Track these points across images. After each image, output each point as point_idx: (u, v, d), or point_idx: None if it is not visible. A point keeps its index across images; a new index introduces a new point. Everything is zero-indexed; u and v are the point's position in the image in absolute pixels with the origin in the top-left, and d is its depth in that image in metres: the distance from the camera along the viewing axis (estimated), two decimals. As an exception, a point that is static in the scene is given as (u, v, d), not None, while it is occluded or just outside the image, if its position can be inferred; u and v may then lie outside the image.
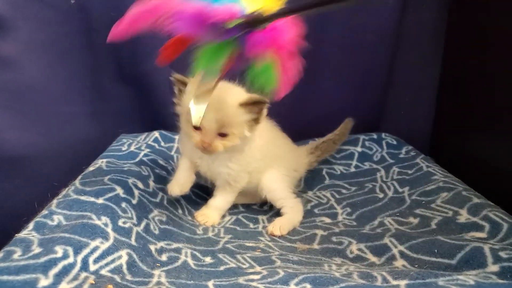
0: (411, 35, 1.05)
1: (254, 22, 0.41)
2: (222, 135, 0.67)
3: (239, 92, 0.68)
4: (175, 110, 0.71)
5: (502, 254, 0.50)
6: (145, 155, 0.84)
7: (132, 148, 0.86)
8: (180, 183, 0.72)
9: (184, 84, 0.67)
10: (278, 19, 0.42)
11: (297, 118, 1.06)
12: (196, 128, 0.66)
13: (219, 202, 0.77)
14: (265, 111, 0.69)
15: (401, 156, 0.94)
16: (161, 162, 0.85)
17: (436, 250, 0.56)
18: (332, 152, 0.97)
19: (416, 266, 0.56)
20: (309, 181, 0.94)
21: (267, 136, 0.78)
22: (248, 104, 0.66)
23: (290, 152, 0.86)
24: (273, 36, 0.43)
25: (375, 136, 1.03)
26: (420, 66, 1.07)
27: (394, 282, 0.48)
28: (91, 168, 0.72)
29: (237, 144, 0.68)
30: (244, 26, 0.42)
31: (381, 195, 0.82)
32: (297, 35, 0.46)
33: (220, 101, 0.64)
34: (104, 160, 0.76)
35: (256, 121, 0.69)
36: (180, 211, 0.76)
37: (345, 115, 1.09)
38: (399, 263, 0.58)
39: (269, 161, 0.79)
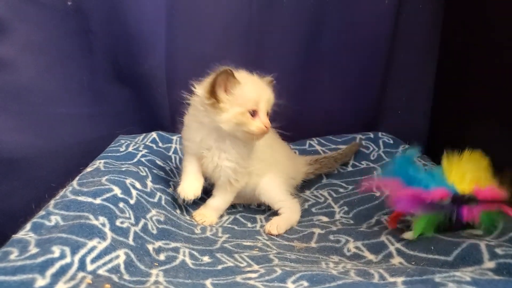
0: (408, 35, 1.05)
1: (466, 200, 0.53)
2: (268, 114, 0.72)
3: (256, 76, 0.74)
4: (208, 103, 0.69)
5: (498, 251, 0.51)
6: (143, 155, 0.84)
7: (130, 149, 0.86)
8: (193, 188, 0.73)
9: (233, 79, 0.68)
10: (489, 203, 0.53)
11: (294, 117, 1.06)
12: (252, 114, 0.69)
13: (218, 202, 0.78)
14: None
15: (398, 155, 0.95)
16: (159, 162, 0.85)
17: (432, 247, 0.57)
18: (331, 170, 0.96)
19: (413, 263, 0.56)
20: (306, 181, 0.94)
21: (267, 141, 0.79)
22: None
23: (288, 159, 0.87)
24: (483, 207, 0.54)
25: (372, 135, 1.03)
26: (417, 66, 1.08)
27: (391, 279, 0.48)
28: (88, 169, 0.72)
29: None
30: (457, 202, 0.54)
31: (377, 194, 0.82)
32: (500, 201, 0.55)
33: (263, 84, 0.72)
34: (102, 161, 0.76)
35: None
36: (178, 210, 0.77)
37: (342, 114, 1.10)
38: (396, 260, 0.58)
39: (268, 165, 0.79)
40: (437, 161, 0.87)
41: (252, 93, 0.68)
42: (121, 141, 0.90)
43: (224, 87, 0.68)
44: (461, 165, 0.59)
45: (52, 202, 0.59)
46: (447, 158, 0.60)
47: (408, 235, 0.59)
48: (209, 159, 0.73)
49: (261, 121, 0.69)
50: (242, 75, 0.70)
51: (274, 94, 0.74)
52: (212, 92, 0.68)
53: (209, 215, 0.77)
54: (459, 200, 0.53)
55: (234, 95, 0.68)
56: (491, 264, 0.49)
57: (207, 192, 0.81)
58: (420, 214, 0.57)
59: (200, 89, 0.70)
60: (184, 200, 0.76)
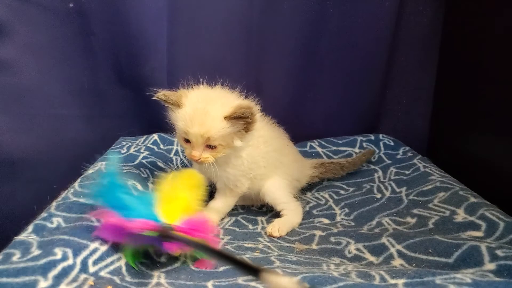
0: (408, 36, 1.05)
1: (166, 236, 0.50)
2: (212, 146, 0.67)
3: (225, 103, 0.67)
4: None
5: (499, 253, 0.51)
6: (144, 157, 0.84)
7: (132, 150, 0.86)
8: None
9: (171, 101, 0.67)
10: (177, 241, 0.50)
11: (295, 119, 1.07)
12: (187, 141, 0.68)
13: (219, 205, 0.78)
14: (256, 119, 0.69)
15: (399, 156, 0.95)
16: (160, 164, 0.85)
17: (433, 249, 0.57)
18: (337, 176, 0.94)
19: (414, 265, 0.56)
20: (309, 184, 0.94)
21: (274, 144, 0.79)
22: (233, 117, 0.66)
23: (295, 162, 0.87)
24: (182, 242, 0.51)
25: (372, 137, 1.03)
26: (417, 68, 1.08)
27: (392, 281, 0.48)
28: (90, 171, 0.72)
29: (229, 153, 0.69)
30: (160, 236, 0.50)
31: (378, 196, 0.82)
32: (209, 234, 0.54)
33: (204, 115, 0.65)
34: (104, 162, 0.76)
35: (246, 129, 0.68)
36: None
37: (343, 116, 1.10)
38: (397, 262, 0.58)
39: (273, 168, 0.79)
40: (437, 162, 0.89)
41: (179, 123, 0.66)
42: (122, 142, 0.91)
43: (170, 106, 0.68)
44: (174, 187, 0.57)
45: (54, 204, 0.59)
46: (160, 180, 0.57)
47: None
48: (203, 171, 0.72)
49: (189, 150, 0.67)
50: (191, 101, 0.66)
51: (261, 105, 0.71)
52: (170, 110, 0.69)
53: (210, 217, 0.77)
54: (160, 235, 0.50)
55: (174, 118, 0.68)
56: (491, 266, 0.50)
57: (210, 194, 0.81)
58: (127, 244, 0.52)
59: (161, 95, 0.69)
60: None
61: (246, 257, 0.62)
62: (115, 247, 0.53)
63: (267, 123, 0.80)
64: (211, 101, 0.67)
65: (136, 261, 0.53)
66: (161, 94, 0.68)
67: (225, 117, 0.65)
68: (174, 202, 0.56)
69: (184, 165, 0.88)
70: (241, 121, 0.67)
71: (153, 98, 0.68)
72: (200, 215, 0.56)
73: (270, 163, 0.77)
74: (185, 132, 0.66)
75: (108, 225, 0.52)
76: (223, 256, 0.46)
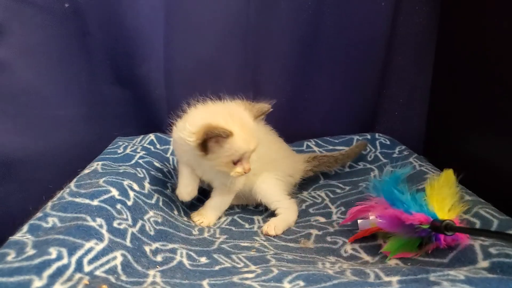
0: (404, 36, 1.06)
1: (443, 228, 0.54)
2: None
3: (245, 111, 0.70)
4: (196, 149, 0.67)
5: (492, 250, 0.51)
6: (141, 157, 0.84)
7: (128, 150, 0.86)
8: (188, 190, 0.74)
9: (227, 134, 0.65)
10: (463, 233, 0.55)
11: (291, 118, 1.07)
12: (234, 162, 0.68)
13: (216, 204, 0.78)
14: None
15: (395, 155, 0.95)
16: (156, 164, 0.85)
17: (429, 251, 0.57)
18: (331, 169, 0.95)
19: (409, 264, 0.57)
20: (303, 181, 0.94)
21: (263, 139, 0.79)
22: (258, 116, 0.71)
23: (286, 157, 0.87)
24: (456, 238, 0.56)
25: (368, 136, 1.04)
26: (413, 67, 1.08)
27: (386, 279, 0.48)
28: (86, 171, 0.72)
29: None
30: (433, 229, 0.56)
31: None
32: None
33: (252, 129, 0.68)
34: (100, 162, 0.76)
35: None
36: (175, 212, 0.77)
37: (339, 115, 1.11)
38: (392, 261, 0.58)
39: (264, 164, 0.79)
40: (434, 161, 0.89)
41: (241, 147, 0.66)
42: (119, 142, 0.91)
43: (216, 140, 0.65)
44: (441, 190, 0.61)
45: (50, 203, 0.59)
46: (429, 183, 0.63)
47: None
48: (202, 172, 0.74)
49: (243, 167, 0.68)
50: (234, 124, 0.66)
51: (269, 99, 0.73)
52: (203, 146, 0.66)
53: (207, 216, 0.77)
54: (437, 226, 0.55)
55: (223, 148, 0.66)
56: (485, 264, 0.50)
57: (206, 193, 0.81)
58: (399, 235, 0.59)
59: (190, 136, 0.66)
60: (182, 202, 0.77)
61: (241, 256, 0.62)
62: (111, 246, 0.53)
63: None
64: (242, 115, 0.69)
65: (397, 254, 0.59)
66: (215, 131, 0.64)
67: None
68: (442, 201, 0.60)
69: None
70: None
71: (210, 136, 0.64)
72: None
73: (260, 158, 0.77)
74: (242, 154, 0.67)
75: (388, 215, 0.59)
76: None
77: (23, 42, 0.87)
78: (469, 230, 0.56)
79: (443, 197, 0.60)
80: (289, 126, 1.05)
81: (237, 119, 0.67)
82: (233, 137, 0.65)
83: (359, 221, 0.68)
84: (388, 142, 1.01)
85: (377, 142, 1.01)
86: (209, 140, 0.65)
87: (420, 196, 0.61)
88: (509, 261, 0.49)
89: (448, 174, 0.65)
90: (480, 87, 0.86)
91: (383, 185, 0.63)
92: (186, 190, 0.74)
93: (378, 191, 0.63)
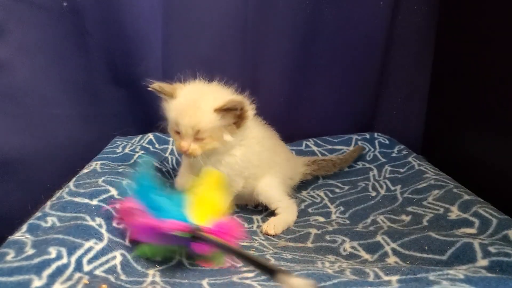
0: (403, 36, 1.06)
1: (196, 237, 0.51)
2: (201, 139, 0.68)
3: (217, 96, 0.68)
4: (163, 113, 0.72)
5: (491, 249, 0.51)
6: (140, 157, 0.84)
7: (127, 150, 0.86)
8: (182, 180, 0.76)
9: (165, 92, 0.69)
10: (212, 243, 0.51)
11: (290, 118, 1.07)
12: (177, 132, 0.68)
13: None
14: (248, 116, 0.69)
15: (393, 155, 0.95)
16: (155, 164, 0.85)
17: (427, 247, 0.57)
18: (329, 173, 0.95)
19: (408, 262, 0.57)
20: (303, 181, 0.94)
21: (267, 144, 0.79)
22: (224, 110, 0.67)
23: (287, 160, 0.87)
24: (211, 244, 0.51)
25: (367, 136, 1.04)
26: (412, 67, 1.09)
27: (386, 278, 0.48)
28: (85, 170, 0.72)
29: (218, 147, 0.69)
30: (191, 237, 0.51)
31: (373, 194, 0.83)
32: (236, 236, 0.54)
33: (195, 106, 0.67)
34: (99, 162, 0.76)
35: (237, 125, 0.69)
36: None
37: (338, 115, 1.11)
38: (392, 259, 0.59)
39: (266, 168, 0.79)
40: (433, 161, 0.90)
41: (170, 113, 0.68)
42: (118, 142, 0.90)
43: (165, 95, 0.68)
44: (203, 188, 0.57)
45: (49, 203, 0.59)
46: (193, 181, 0.59)
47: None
48: (197, 169, 0.72)
49: (182, 142, 0.68)
50: (183, 94, 0.67)
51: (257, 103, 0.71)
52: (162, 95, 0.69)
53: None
54: (191, 236, 0.51)
55: (166, 108, 0.69)
56: (484, 262, 0.50)
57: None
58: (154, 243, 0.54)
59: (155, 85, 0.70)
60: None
61: (241, 255, 0.62)
62: (110, 246, 0.53)
63: (259, 124, 0.80)
64: (204, 94, 0.68)
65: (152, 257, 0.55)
66: (156, 85, 0.69)
67: (215, 110, 0.66)
68: (203, 204, 0.56)
69: (179, 165, 0.88)
70: (231, 114, 0.68)
71: (148, 88, 0.69)
72: (230, 218, 0.57)
73: (264, 162, 0.78)
74: (176, 124, 0.67)
75: (140, 225, 0.53)
76: (246, 258, 0.48)
77: (21, 41, 0.87)
78: (214, 243, 0.51)
79: (204, 197, 0.56)
80: (288, 126, 1.05)
81: (193, 94, 0.68)
82: (172, 101, 0.68)
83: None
84: (387, 142, 1.01)
85: (376, 142, 1.02)
86: (162, 94, 0.69)
87: (178, 198, 0.55)
88: (508, 260, 0.49)
89: (212, 175, 0.60)
90: (478, 87, 0.87)
91: (138, 188, 0.57)
92: (181, 179, 0.76)
93: (136, 194, 0.56)
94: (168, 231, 0.50)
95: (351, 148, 1.02)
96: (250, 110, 0.70)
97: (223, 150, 0.71)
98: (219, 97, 0.68)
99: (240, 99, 0.69)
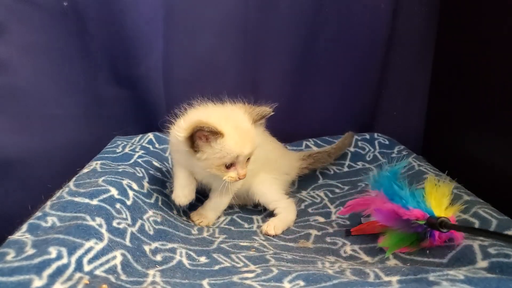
0: (403, 36, 1.06)
1: (438, 225, 0.55)
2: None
3: (243, 114, 0.69)
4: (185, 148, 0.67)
5: (491, 250, 0.51)
6: (140, 156, 0.84)
7: (127, 150, 0.86)
8: (185, 193, 0.72)
9: (217, 132, 0.64)
10: (458, 230, 0.56)
11: (291, 119, 1.07)
12: (228, 166, 0.67)
13: (215, 204, 0.78)
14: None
15: (393, 155, 0.96)
16: (155, 163, 0.85)
17: (428, 251, 0.58)
18: (325, 164, 0.96)
19: (408, 264, 0.57)
20: (303, 181, 0.95)
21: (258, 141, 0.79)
22: (257, 120, 0.70)
23: (281, 156, 0.87)
24: (451, 236, 0.56)
25: (367, 136, 1.04)
26: (412, 67, 1.09)
27: (386, 278, 0.49)
28: (85, 170, 0.72)
29: None
30: (429, 226, 0.56)
31: (373, 194, 0.82)
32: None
33: (249, 133, 0.67)
34: (99, 162, 0.76)
35: None
36: (175, 211, 0.77)
37: (338, 115, 1.11)
38: (392, 262, 0.59)
39: (260, 165, 0.79)
40: (433, 161, 0.90)
41: (233, 150, 0.65)
42: (118, 142, 0.90)
43: (205, 138, 0.65)
44: (440, 190, 0.62)
45: (49, 203, 0.59)
46: (429, 181, 0.63)
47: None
48: (201, 176, 0.73)
49: (237, 172, 0.67)
50: (228, 125, 0.65)
51: (268, 103, 0.72)
52: (192, 142, 0.65)
53: (206, 216, 0.77)
54: (433, 223, 0.55)
55: (213, 148, 0.65)
56: (484, 264, 0.50)
57: (205, 193, 0.81)
58: (394, 230, 0.60)
59: (181, 131, 0.66)
60: (180, 206, 0.74)
61: (241, 255, 0.62)
62: (110, 245, 0.53)
63: None
64: (239, 118, 0.68)
65: (395, 249, 0.60)
66: (201, 125, 0.63)
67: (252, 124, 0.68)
68: (439, 199, 0.60)
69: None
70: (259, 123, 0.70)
71: (196, 130, 0.64)
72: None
73: (256, 159, 0.77)
74: (235, 157, 0.66)
75: (385, 209, 0.59)
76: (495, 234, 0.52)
77: (22, 41, 0.87)
78: (464, 228, 0.56)
79: (441, 196, 0.61)
80: (288, 126, 1.05)
81: (232, 121, 0.66)
82: (223, 138, 0.64)
83: (362, 218, 0.68)
84: (387, 142, 1.02)
85: (376, 142, 1.02)
86: (198, 137, 0.65)
87: (419, 192, 0.61)
88: (508, 261, 0.49)
89: (449, 184, 0.66)
90: (478, 87, 0.87)
91: (382, 180, 0.64)
92: (183, 192, 0.72)
93: (378, 185, 0.64)
94: (411, 218, 0.56)
95: (351, 148, 1.02)
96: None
97: None
98: (244, 113, 0.69)
99: (262, 108, 0.71)
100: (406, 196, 0.60)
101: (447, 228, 0.54)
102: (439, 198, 0.60)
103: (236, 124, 0.66)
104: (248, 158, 0.69)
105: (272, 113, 0.71)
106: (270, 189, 0.79)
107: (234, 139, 0.65)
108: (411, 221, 0.57)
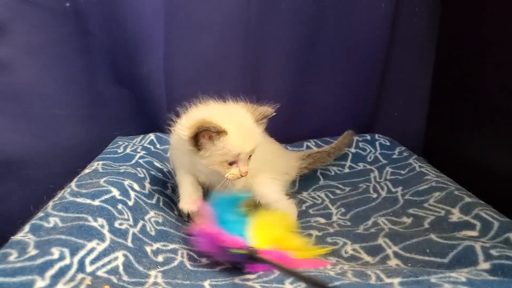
0: (404, 37, 1.06)
1: (252, 257, 0.53)
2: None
3: (247, 112, 0.68)
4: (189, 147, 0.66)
5: (493, 252, 0.51)
6: (141, 157, 0.84)
7: (128, 150, 0.86)
8: (193, 199, 0.71)
9: (220, 130, 0.63)
10: (267, 264, 0.53)
11: (291, 119, 1.07)
12: (230, 163, 0.67)
13: None
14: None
15: (394, 156, 0.96)
16: (156, 164, 0.85)
17: (428, 250, 0.57)
18: (325, 164, 0.96)
19: (409, 265, 0.57)
20: (303, 182, 0.95)
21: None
22: (260, 120, 0.69)
23: (280, 156, 0.87)
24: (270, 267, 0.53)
25: (368, 137, 1.04)
26: (413, 68, 1.09)
27: (388, 280, 0.49)
28: (87, 171, 0.72)
29: None
30: (246, 256, 0.54)
31: (374, 195, 0.83)
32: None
33: (251, 130, 0.66)
34: (100, 162, 0.76)
35: None
36: (176, 212, 0.77)
37: (339, 116, 1.11)
38: (393, 262, 0.59)
39: (259, 166, 0.79)
40: (434, 163, 0.90)
41: (235, 147, 0.64)
42: (119, 142, 0.90)
43: (208, 136, 0.64)
44: (267, 218, 0.61)
45: (51, 203, 0.59)
46: (260, 212, 0.63)
47: None
48: (204, 177, 0.73)
49: (239, 169, 0.67)
50: (231, 123, 0.64)
51: (269, 103, 0.72)
52: (196, 141, 0.65)
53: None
54: (245, 254, 0.54)
55: (216, 146, 0.64)
56: (486, 265, 0.50)
57: (205, 194, 0.81)
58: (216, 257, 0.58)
59: (185, 130, 0.66)
60: (188, 214, 0.72)
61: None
62: (112, 246, 0.53)
63: None
64: (241, 116, 0.67)
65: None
66: (206, 125, 0.62)
67: (255, 122, 0.68)
68: (266, 232, 0.59)
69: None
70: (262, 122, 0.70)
71: (201, 130, 0.63)
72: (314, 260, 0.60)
73: (257, 159, 0.76)
74: (237, 154, 0.65)
75: (207, 235, 0.57)
76: (301, 277, 0.49)
77: (24, 41, 0.87)
78: (269, 262, 0.53)
79: (266, 226, 0.59)
80: (289, 127, 1.06)
81: (235, 119, 0.66)
82: (226, 136, 0.64)
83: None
84: (388, 143, 1.02)
85: (377, 143, 1.02)
86: (202, 136, 0.64)
87: (244, 221, 0.59)
88: (510, 263, 0.49)
89: (285, 218, 0.67)
90: (479, 88, 0.87)
91: (220, 201, 0.62)
92: (191, 200, 0.71)
93: (214, 205, 0.62)
94: (228, 246, 0.55)
95: (352, 149, 1.02)
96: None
97: None
98: (247, 111, 0.68)
99: (265, 108, 0.70)
100: (232, 222, 0.58)
101: (252, 260, 0.53)
102: (263, 227, 0.59)
103: (238, 122, 0.66)
104: (250, 156, 0.69)
105: (274, 113, 0.71)
106: (270, 190, 0.79)
107: (236, 137, 0.65)
108: (228, 250, 0.55)
